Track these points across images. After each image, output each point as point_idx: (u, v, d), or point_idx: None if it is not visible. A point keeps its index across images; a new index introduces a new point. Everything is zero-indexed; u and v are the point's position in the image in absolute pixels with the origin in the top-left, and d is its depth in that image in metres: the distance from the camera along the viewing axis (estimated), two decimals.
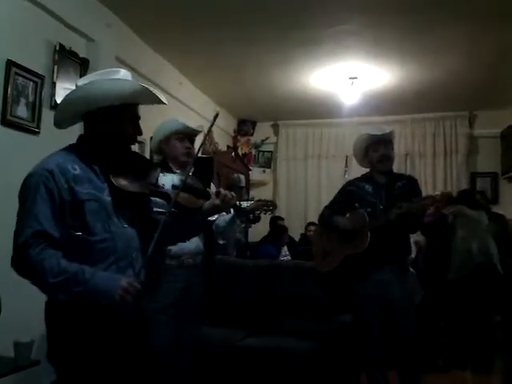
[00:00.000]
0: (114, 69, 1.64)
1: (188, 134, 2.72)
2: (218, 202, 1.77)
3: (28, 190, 1.46)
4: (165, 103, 1.61)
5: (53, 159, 1.52)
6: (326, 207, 3.16)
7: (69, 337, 1.48)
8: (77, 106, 1.57)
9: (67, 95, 1.59)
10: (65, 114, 1.62)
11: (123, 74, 1.59)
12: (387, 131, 3.00)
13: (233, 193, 1.82)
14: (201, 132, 2.84)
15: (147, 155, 4.27)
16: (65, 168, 1.49)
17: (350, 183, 3.11)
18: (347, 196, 3.02)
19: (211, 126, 1.83)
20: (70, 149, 1.59)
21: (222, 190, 1.81)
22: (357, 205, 2.93)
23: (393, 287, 2.81)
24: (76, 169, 1.51)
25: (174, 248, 2.46)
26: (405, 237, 2.95)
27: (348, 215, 2.96)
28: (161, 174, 1.75)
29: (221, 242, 3.66)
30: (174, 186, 1.73)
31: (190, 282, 2.58)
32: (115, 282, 1.43)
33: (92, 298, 1.43)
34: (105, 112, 1.55)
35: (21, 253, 1.42)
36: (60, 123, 1.65)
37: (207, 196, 1.83)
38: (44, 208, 1.43)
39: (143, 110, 1.70)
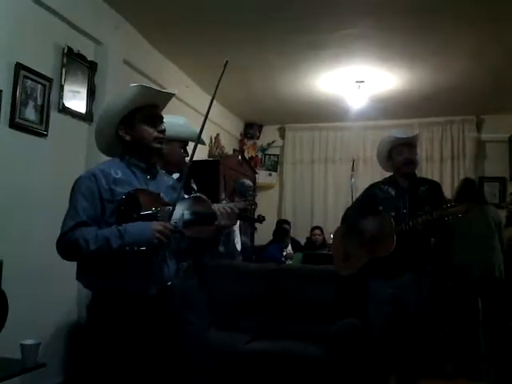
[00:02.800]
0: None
1: (186, 142, 2.55)
2: (224, 222, 1.83)
3: (74, 190, 1.68)
4: (172, 93, 1.80)
5: (99, 166, 1.74)
6: (348, 209, 3.15)
7: (109, 326, 1.63)
8: (102, 130, 1.79)
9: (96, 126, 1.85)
10: (102, 141, 1.82)
11: (128, 88, 1.74)
12: (412, 135, 2.98)
13: (233, 206, 1.86)
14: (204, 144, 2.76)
15: None
16: (107, 172, 1.69)
17: (373, 186, 3.07)
18: (370, 198, 2.99)
19: (221, 77, 1.76)
20: (117, 158, 1.80)
21: (223, 210, 1.83)
22: (381, 208, 2.89)
23: (408, 290, 2.76)
24: (118, 173, 1.70)
25: None
26: (428, 242, 2.90)
27: (374, 218, 2.90)
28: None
29: (221, 249, 3.64)
30: (185, 223, 1.72)
31: (185, 286, 2.55)
32: (148, 226, 1.57)
33: (132, 250, 1.55)
34: (123, 124, 1.74)
35: (63, 238, 1.60)
36: (105, 150, 1.85)
37: (213, 218, 1.82)
38: (85, 204, 1.63)
39: None
